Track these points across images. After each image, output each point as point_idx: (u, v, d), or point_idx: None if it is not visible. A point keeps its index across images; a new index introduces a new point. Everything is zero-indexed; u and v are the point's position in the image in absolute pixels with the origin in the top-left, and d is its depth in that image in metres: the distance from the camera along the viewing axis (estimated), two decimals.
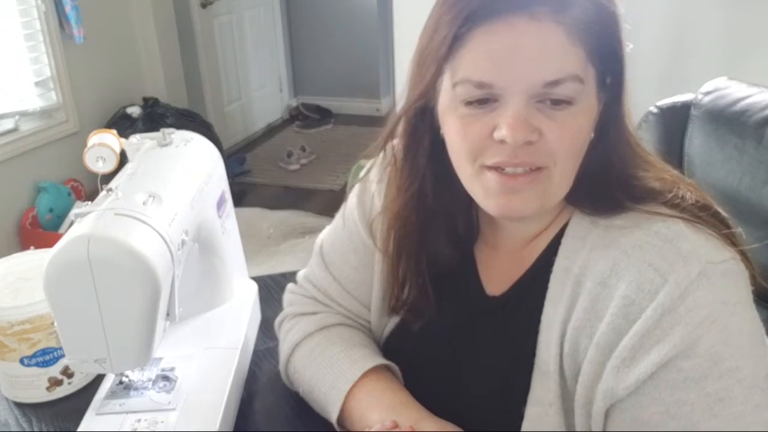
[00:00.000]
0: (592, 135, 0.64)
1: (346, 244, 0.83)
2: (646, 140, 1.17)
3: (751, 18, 2.12)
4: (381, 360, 0.77)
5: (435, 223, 0.73)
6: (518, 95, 0.58)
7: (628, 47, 0.63)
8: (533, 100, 0.58)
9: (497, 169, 0.61)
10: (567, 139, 0.60)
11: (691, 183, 0.66)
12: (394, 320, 0.81)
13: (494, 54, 0.57)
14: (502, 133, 0.59)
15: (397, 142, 0.73)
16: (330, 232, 0.87)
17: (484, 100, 0.60)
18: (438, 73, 0.62)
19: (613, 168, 0.64)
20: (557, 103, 0.58)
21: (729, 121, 1.10)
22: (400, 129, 0.72)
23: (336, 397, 0.75)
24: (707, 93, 1.16)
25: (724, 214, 0.64)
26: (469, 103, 0.60)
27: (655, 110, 1.20)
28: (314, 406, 0.80)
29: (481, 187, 0.64)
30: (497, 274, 0.73)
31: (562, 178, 0.62)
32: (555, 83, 0.57)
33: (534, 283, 0.68)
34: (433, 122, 0.67)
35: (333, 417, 0.75)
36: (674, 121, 1.18)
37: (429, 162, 0.70)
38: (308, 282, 0.88)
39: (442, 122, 0.65)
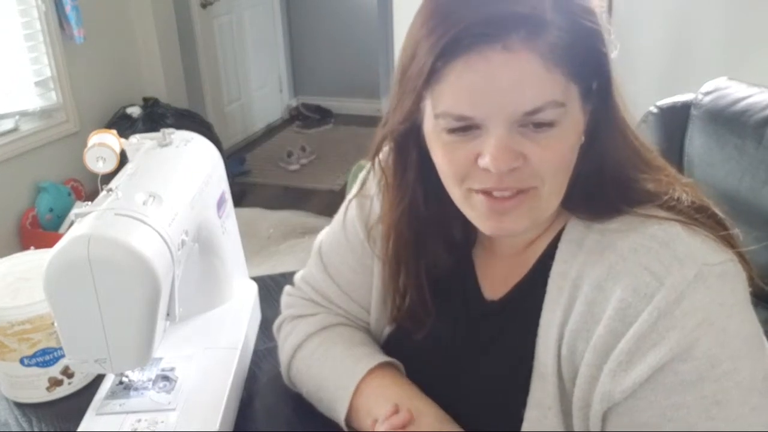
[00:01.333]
0: (583, 139, 0.63)
1: (345, 246, 0.83)
2: (647, 140, 1.17)
3: (751, 18, 2.12)
4: (384, 357, 0.77)
5: (431, 232, 0.73)
6: (499, 125, 0.58)
7: (615, 51, 0.62)
8: (515, 125, 0.58)
9: (485, 192, 0.62)
10: (552, 160, 0.60)
11: (687, 183, 0.66)
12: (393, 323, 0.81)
13: (471, 88, 0.57)
14: (485, 161, 0.59)
15: (386, 153, 0.73)
16: (329, 233, 0.87)
17: (467, 128, 0.60)
18: (417, 101, 0.62)
19: (607, 170, 0.64)
20: (539, 126, 0.58)
21: (729, 121, 1.10)
22: (388, 145, 0.72)
23: (343, 396, 0.75)
24: (707, 93, 1.16)
25: (721, 215, 0.64)
26: (452, 131, 0.60)
27: (655, 110, 1.20)
28: (319, 406, 0.80)
29: (471, 210, 0.64)
30: (496, 279, 0.73)
31: (551, 194, 0.62)
32: (534, 112, 0.57)
33: (532, 287, 0.68)
34: (419, 138, 0.67)
35: (341, 416, 0.75)
36: (674, 121, 1.17)
37: (418, 176, 0.70)
38: (306, 284, 0.88)
39: (428, 143, 0.65)
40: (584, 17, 0.59)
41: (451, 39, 0.56)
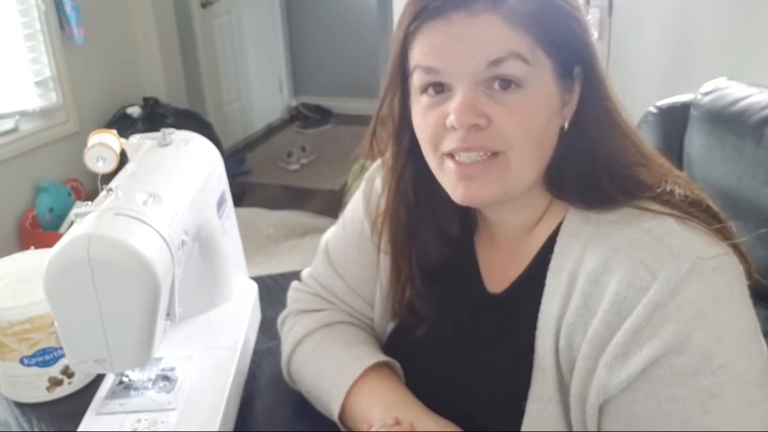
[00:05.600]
0: (566, 126, 0.65)
1: (351, 242, 0.84)
2: (646, 140, 1.17)
3: (751, 18, 2.12)
4: (382, 357, 0.78)
5: (421, 219, 0.75)
6: (464, 81, 0.62)
7: (593, 35, 0.65)
8: (481, 86, 0.62)
9: (453, 156, 0.64)
10: (518, 124, 0.62)
11: (679, 175, 0.66)
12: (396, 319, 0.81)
13: (437, 45, 0.63)
14: (451, 119, 0.62)
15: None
16: (336, 230, 0.88)
17: (439, 89, 0.64)
18: (399, 64, 0.68)
19: (600, 158, 0.65)
20: (506, 86, 0.61)
21: (728, 121, 1.10)
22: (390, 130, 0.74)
23: (337, 395, 0.75)
24: (707, 93, 1.16)
25: (715, 208, 0.64)
26: (424, 91, 0.65)
27: (655, 110, 1.21)
28: (315, 403, 0.81)
29: (445, 177, 0.67)
30: (497, 271, 0.74)
31: (521, 163, 0.64)
32: (497, 62, 0.60)
33: (532, 280, 0.69)
34: (411, 123, 0.70)
35: (335, 414, 0.76)
36: (674, 121, 1.18)
37: (407, 159, 0.73)
38: (312, 279, 0.89)
39: (413, 119, 0.69)
40: None
41: (422, 6, 0.64)
